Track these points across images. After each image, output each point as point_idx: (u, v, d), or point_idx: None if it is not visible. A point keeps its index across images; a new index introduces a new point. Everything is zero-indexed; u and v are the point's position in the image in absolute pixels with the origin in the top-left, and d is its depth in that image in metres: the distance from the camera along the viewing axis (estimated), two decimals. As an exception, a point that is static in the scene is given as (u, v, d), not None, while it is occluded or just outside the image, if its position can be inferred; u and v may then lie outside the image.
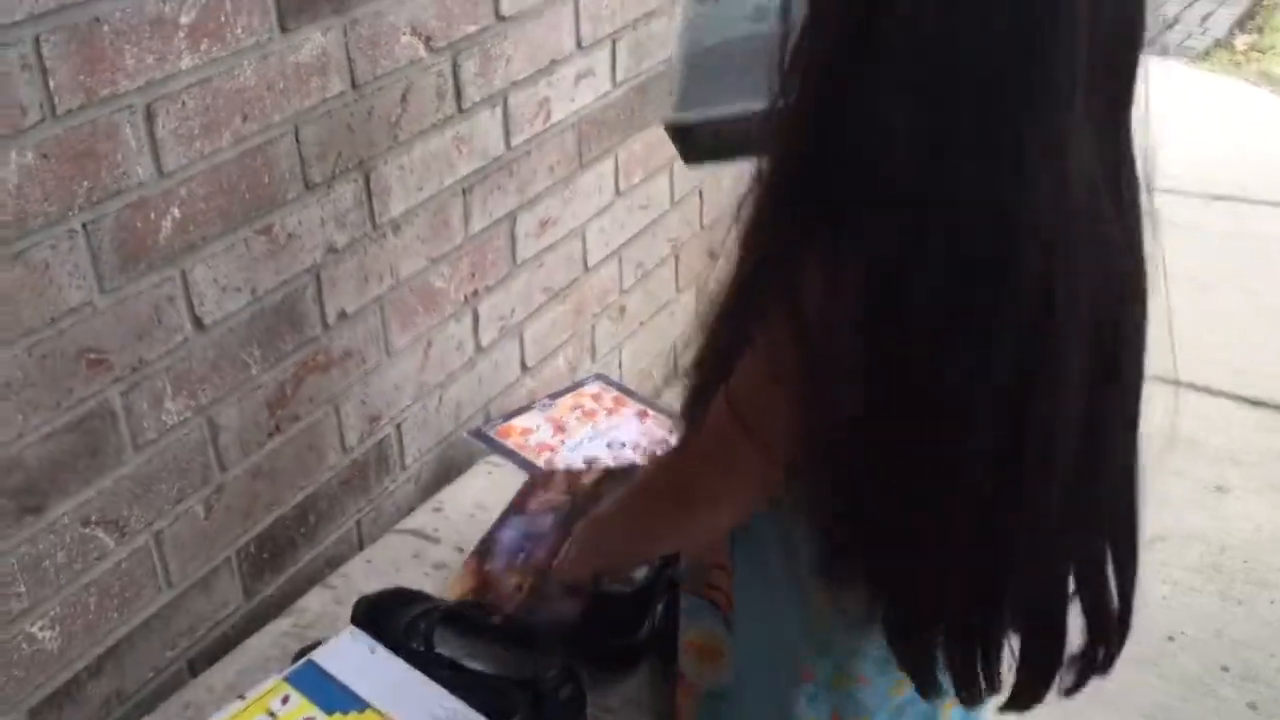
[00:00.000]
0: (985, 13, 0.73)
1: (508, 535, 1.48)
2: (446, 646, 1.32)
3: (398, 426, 1.72)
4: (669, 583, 1.40)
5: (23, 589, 1.24)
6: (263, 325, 1.45)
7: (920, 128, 0.75)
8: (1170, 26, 5.22)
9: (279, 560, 1.56)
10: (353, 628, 1.30)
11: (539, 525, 1.47)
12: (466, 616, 1.36)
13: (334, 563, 1.63)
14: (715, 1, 1.06)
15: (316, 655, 1.26)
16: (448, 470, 1.82)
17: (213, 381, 1.40)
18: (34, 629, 1.26)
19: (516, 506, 1.52)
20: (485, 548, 1.49)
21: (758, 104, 0.84)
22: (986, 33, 0.73)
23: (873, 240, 0.77)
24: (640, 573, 1.43)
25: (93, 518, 1.30)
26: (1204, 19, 5.32)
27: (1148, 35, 0.80)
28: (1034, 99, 0.75)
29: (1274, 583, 2.33)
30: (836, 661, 1.02)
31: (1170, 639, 2.21)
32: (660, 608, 1.40)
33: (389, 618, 1.36)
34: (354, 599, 1.43)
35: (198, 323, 1.36)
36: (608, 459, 1.74)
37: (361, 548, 1.68)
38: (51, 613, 1.27)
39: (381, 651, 1.26)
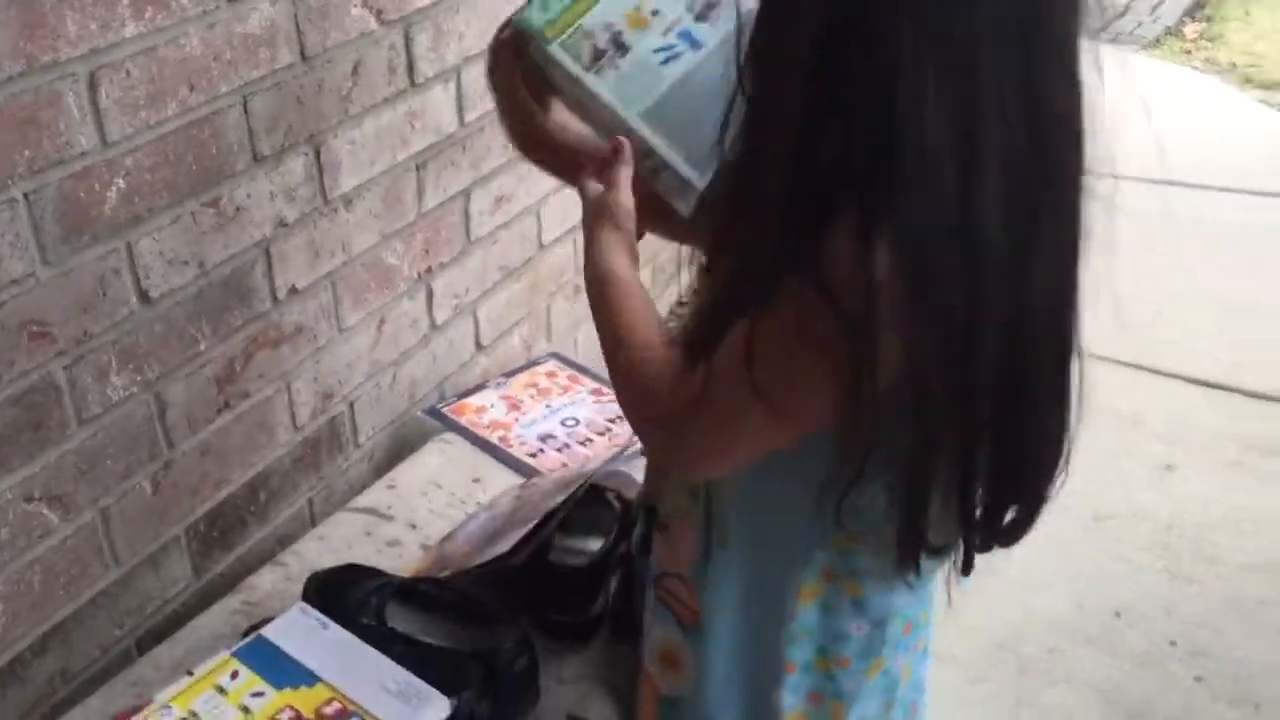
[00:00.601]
0: None
1: (472, 525, 1.48)
2: (400, 621, 1.31)
3: (350, 405, 1.71)
4: (622, 558, 1.40)
5: (-36, 566, 1.22)
6: (211, 300, 1.43)
7: (946, 93, 0.76)
8: (1121, 14, 5.27)
9: (229, 538, 1.55)
10: (302, 603, 1.29)
11: (500, 511, 1.47)
12: (420, 591, 1.35)
13: (286, 541, 1.62)
14: (620, 62, 1.05)
15: (266, 631, 1.25)
16: (401, 449, 1.80)
17: (159, 356, 1.38)
18: (-24, 606, 1.24)
19: (487, 506, 1.51)
20: (448, 536, 1.48)
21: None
22: None
23: (910, 210, 0.78)
24: (593, 546, 1.43)
25: (36, 494, 1.27)
26: (1154, 7, 5.38)
27: (1099, 23, 0.83)
28: (1058, 50, 0.80)
29: (1221, 560, 2.36)
30: (820, 646, 1.03)
31: (1118, 615, 2.24)
32: (614, 581, 1.40)
33: (341, 594, 1.35)
34: (305, 577, 1.42)
35: (144, 296, 1.34)
36: (562, 436, 1.74)
37: (314, 526, 1.66)
38: (-6, 590, 1.25)
39: (333, 627, 1.25)
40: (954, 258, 0.78)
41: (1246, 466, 2.64)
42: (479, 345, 1.95)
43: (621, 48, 1.04)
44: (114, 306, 1.31)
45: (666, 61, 1.05)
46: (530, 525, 1.33)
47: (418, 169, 1.71)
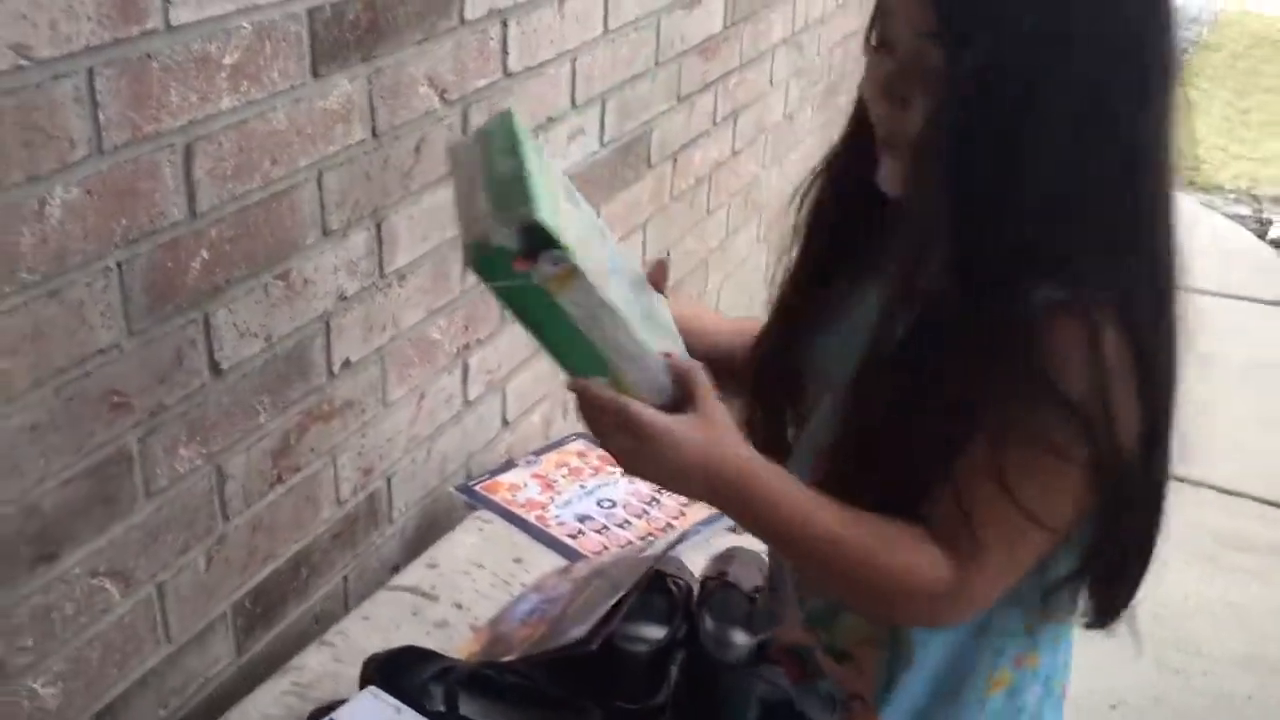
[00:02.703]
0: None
1: (522, 607, 1.46)
2: (467, 708, 1.29)
3: (388, 480, 1.69)
4: (683, 642, 1.40)
5: (30, 642, 1.17)
6: (274, 372, 1.41)
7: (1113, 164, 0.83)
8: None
9: (270, 616, 1.51)
10: (374, 688, 1.26)
11: (555, 594, 1.46)
12: (486, 677, 1.33)
13: (323, 619, 1.59)
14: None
15: (340, 715, 1.22)
16: (430, 525, 1.78)
17: (224, 429, 1.36)
18: (37, 684, 1.19)
19: (534, 587, 1.50)
20: (498, 618, 1.46)
21: None
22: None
23: (1120, 292, 0.82)
24: (652, 633, 1.42)
25: (101, 568, 1.24)
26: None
27: None
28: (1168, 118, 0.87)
29: (1206, 654, 2.42)
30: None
31: (1113, 708, 2.27)
32: (674, 669, 1.40)
33: (401, 677, 1.32)
34: (354, 657, 1.39)
35: (215, 368, 1.32)
36: (600, 517, 1.73)
37: (347, 603, 1.64)
38: (55, 668, 1.21)
39: (407, 712, 1.23)
40: (1165, 328, 0.84)
41: (1220, 561, 2.71)
42: (505, 422, 1.95)
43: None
44: (188, 377, 1.29)
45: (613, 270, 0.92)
46: (602, 610, 1.33)
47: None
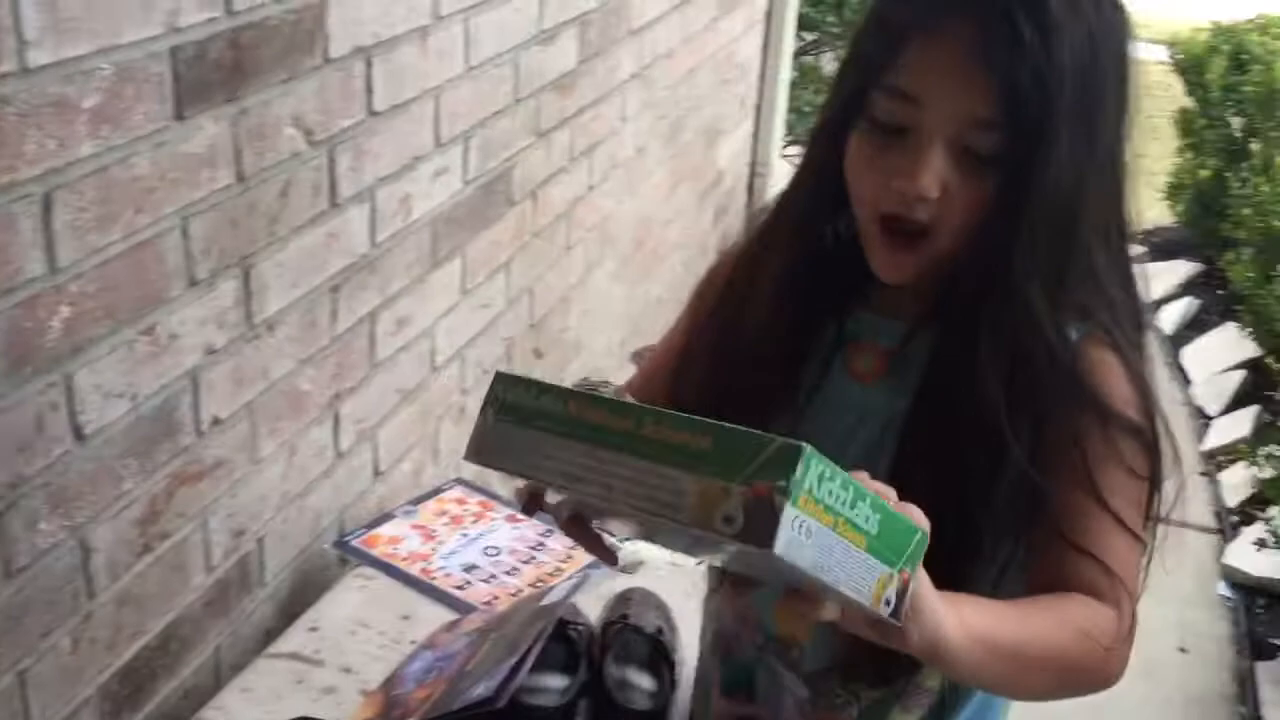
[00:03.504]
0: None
1: (415, 665, 1.40)
2: (371, 779, 1.22)
3: (259, 541, 1.60)
4: (587, 690, 1.37)
5: (-120, 750, 1.06)
6: (140, 434, 1.32)
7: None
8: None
9: (138, 697, 1.41)
10: (271, 766, 1.18)
11: (450, 650, 1.40)
12: (388, 744, 1.26)
13: (194, 695, 1.49)
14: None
15: (236, 800, 1.14)
16: (305, 586, 1.70)
17: (88, 498, 1.26)
18: (-112, 796, 1.08)
19: (426, 644, 1.44)
20: (391, 679, 1.40)
21: None
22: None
23: (1117, 327, 0.91)
24: (553, 683, 1.38)
25: (-42, 660, 1.13)
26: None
27: None
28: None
29: None
30: None
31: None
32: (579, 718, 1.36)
33: (296, 752, 1.25)
34: (238, 734, 1.31)
35: (78, 433, 1.22)
36: (487, 566, 1.68)
37: (219, 675, 1.54)
38: (-91, 775, 1.09)
39: (310, 790, 1.16)
40: (1149, 359, 0.93)
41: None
42: (377, 472, 1.87)
43: None
44: (49, 445, 1.19)
45: None
46: (508, 665, 1.28)
47: (333, 291, 1.65)
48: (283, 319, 1.54)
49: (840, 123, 0.94)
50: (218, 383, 1.44)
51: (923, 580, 0.71)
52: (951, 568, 0.76)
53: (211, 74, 1.32)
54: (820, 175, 0.98)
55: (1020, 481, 0.88)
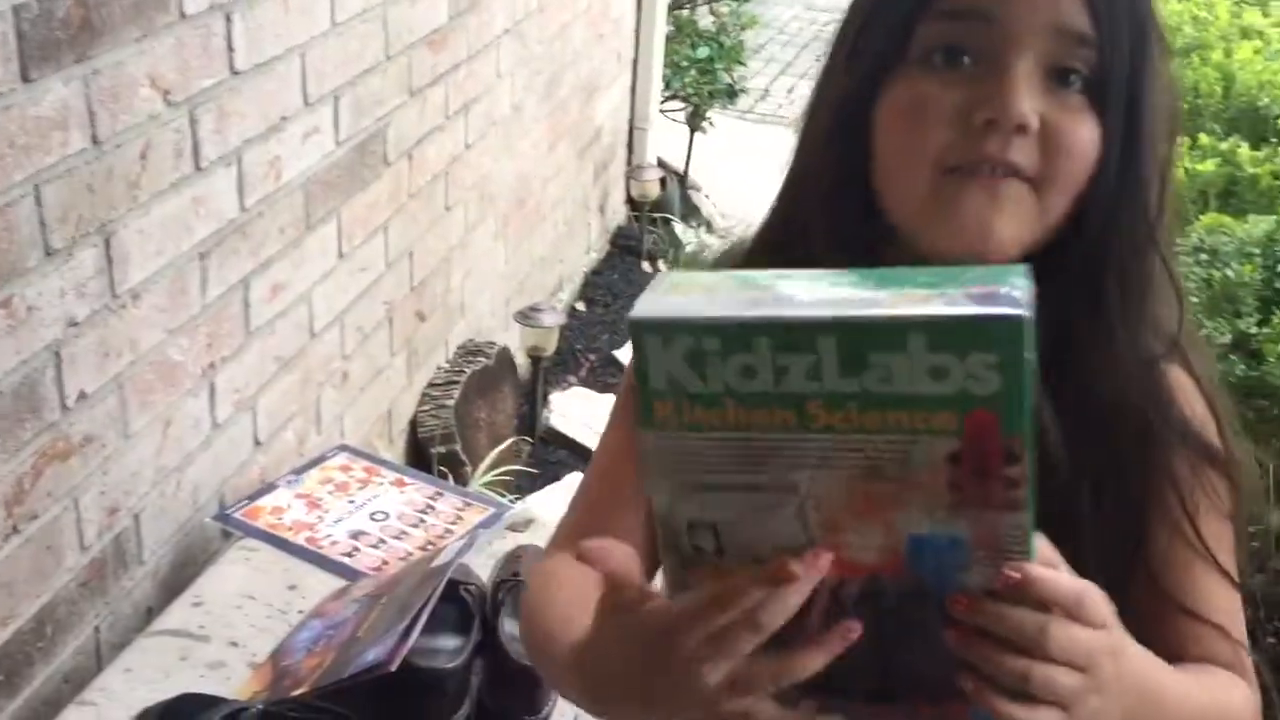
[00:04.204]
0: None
1: (304, 635, 1.38)
2: (264, 751, 1.21)
3: (136, 517, 1.55)
4: (481, 648, 1.36)
5: None
6: (1, 412, 1.27)
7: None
8: (763, 97, 5.73)
9: (15, 683, 1.36)
10: (158, 744, 1.16)
11: (340, 618, 1.38)
12: (278, 715, 1.24)
13: (74, 678, 1.44)
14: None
15: (122, 782, 1.11)
16: (186, 562, 1.66)
17: (-53, 481, 1.21)
18: None
19: (315, 613, 1.42)
20: (280, 650, 1.37)
21: None
22: None
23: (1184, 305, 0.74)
24: (448, 643, 1.38)
25: None
26: (789, 90, 5.88)
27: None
28: None
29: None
30: None
31: None
32: (475, 680, 1.36)
33: (184, 729, 1.22)
34: (122, 714, 1.28)
35: (-68, 413, 1.17)
36: (375, 531, 1.66)
37: (100, 657, 1.49)
38: None
39: (198, 765, 1.13)
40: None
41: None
42: (257, 442, 1.83)
43: None
44: (-99, 427, 1.13)
45: None
46: (400, 628, 1.27)
47: (201, 258, 1.60)
48: (148, 288, 1.49)
49: (865, 92, 0.72)
50: (81, 356, 1.38)
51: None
52: None
53: (59, 33, 1.26)
54: (839, 172, 0.74)
55: (1112, 531, 0.72)
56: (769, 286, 0.57)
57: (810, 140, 0.77)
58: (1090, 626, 0.57)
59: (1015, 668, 0.55)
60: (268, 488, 1.74)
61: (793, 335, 0.54)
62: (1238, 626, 0.75)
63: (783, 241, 0.77)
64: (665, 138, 4.22)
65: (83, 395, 1.40)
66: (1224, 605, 0.74)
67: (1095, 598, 0.57)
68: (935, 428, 0.55)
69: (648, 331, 0.55)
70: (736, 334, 0.55)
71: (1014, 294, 0.53)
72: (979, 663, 0.56)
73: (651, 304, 0.56)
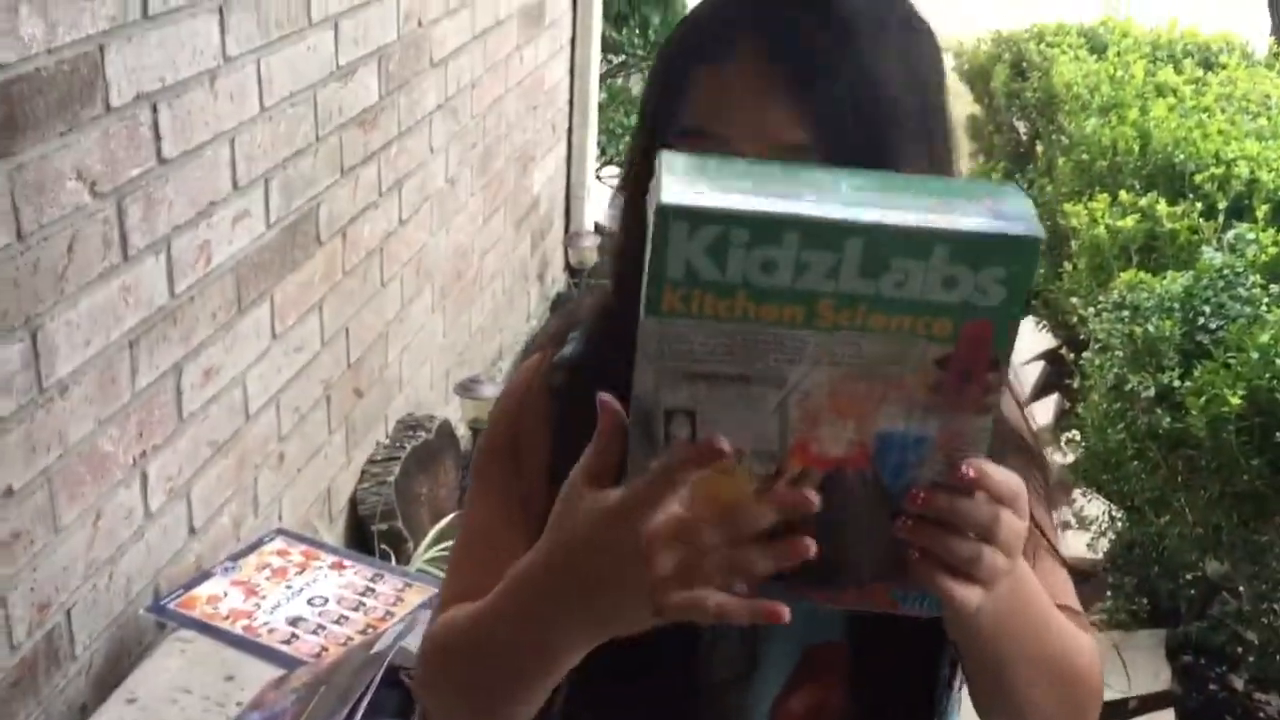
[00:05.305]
0: None
1: (242, 720, 1.36)
2: None
3: (67, 612, 1.52)
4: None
5: None
6: (-77, 514, 1.25)
7: None
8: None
9: (-59, 791, 1.32)
10: None
11: (278, 708, 1.36)
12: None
13: (4, 783, 1.40)
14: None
15: None
16: (121, 656, 1.62)
17: None
18: None
19: (254, 704, 1.40)
20: (216, 737, 1.35)
21: None
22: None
23: None
24: None
25: None
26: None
27: None
28: None
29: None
30: None
31: None
32: None
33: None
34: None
35: None
36: (313, 617, 1.64)
37: (32, 760, 1.46)
38: None
39: None
40: None
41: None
42: (192, 530, 1.81)
43: None
44: None
45: None
46: (340, 717, 1.25)
47: (131, 346, 1.59)
48: (77, 379, 1.48)
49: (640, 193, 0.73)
50: (8, 451, 1.36)
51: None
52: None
53: (-20, 129, 1.26)
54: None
55: None
56: (791, 179, 0.60)
57: (627, 208, 0.83)
58: (1020, 518, 0.64)
59: (966, 550, 0.62)
60: (203, 576, 1.72)
61: (823, 234, 0.57)
62: (1075, 598, 0.82)
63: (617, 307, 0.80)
64: (602, 204, 4.27)
65: (9, 491, 1.38)
66: (1064, 585, 0.81)
67: (1025, 495, 0.65)
68: (933, 334, 0.59)
69: (676, 218, 0.57)
70: (767, 227, 0.57)
71: (1027, 212, 0.58)
72: (930, 545, 0.62)
73: (680, 192, 0.58)
